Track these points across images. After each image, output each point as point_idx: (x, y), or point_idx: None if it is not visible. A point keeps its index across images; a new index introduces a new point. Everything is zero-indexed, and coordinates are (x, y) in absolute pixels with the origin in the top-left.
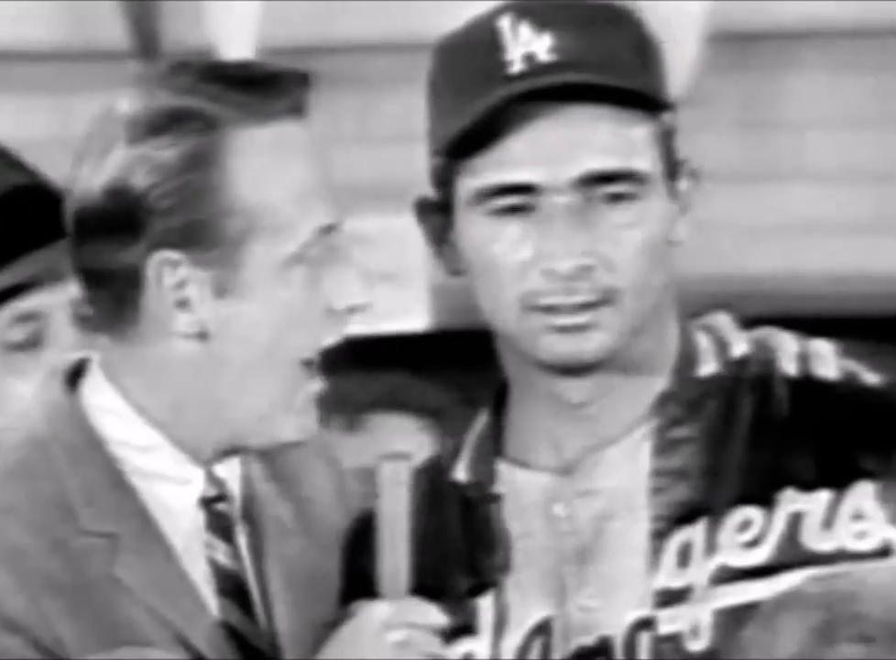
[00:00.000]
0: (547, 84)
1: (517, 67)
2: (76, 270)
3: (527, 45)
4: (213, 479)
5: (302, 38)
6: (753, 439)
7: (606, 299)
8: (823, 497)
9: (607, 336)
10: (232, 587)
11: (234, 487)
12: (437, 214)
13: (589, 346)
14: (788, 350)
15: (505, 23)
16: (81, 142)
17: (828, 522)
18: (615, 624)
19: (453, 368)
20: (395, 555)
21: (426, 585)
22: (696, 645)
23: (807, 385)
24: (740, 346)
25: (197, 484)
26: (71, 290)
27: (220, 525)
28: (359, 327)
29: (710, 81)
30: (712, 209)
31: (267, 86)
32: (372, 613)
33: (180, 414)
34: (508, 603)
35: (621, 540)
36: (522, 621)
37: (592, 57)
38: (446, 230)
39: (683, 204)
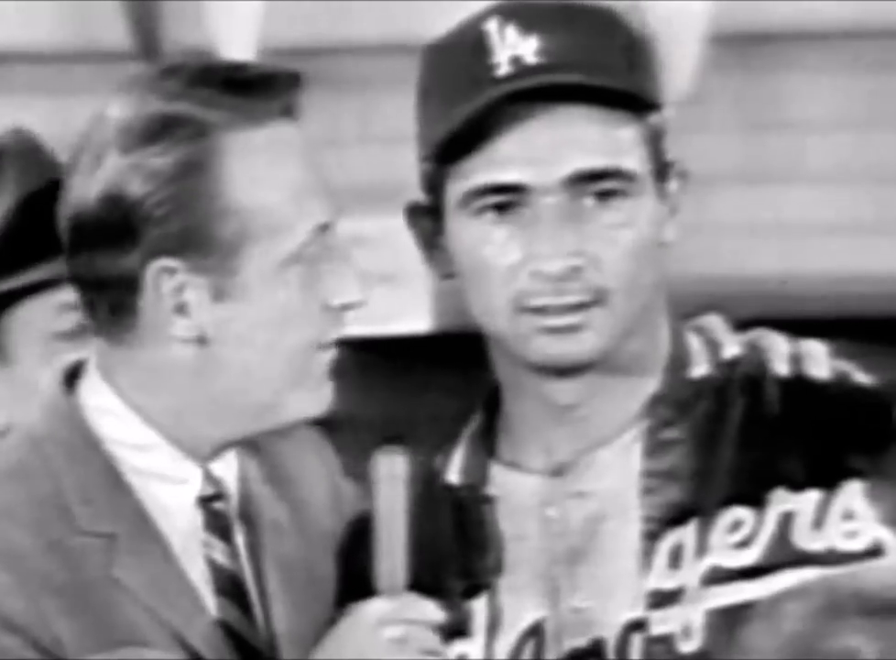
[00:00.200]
0: (534, 85)
1: (504, 69)
2: (71, 276)
3: (514, 47)
4: (210, 478)
5: (303, 39)
6: (744, 440)
7: (596, 299)
8: (813, 497)
9: (598, 337)
10: (230, 586)
11: (231, 486)
12: (428, 218)
13: (580, 347)
14: (780, 351)
15: (492, 26)
16: (72, 149)
17: (819, 522)
18: (607, 625)
19: (452, 370)
20: (392, 551)
21: (419, 586)
22: (688, 646)
23: (798, 386)
24: (732, 347)
25: (194, 483)
26: None
27: (217, 524)
28: (359, 329)
29: (710, 81)
30: (711, 210)
31: (259, 88)
32: (369, 609)
33: (178, 415)
34: (502, 605)
35: (613, 541)
36: (515, 623)
37: (579, 58)
38: (437, 234)
39: (673, 205)
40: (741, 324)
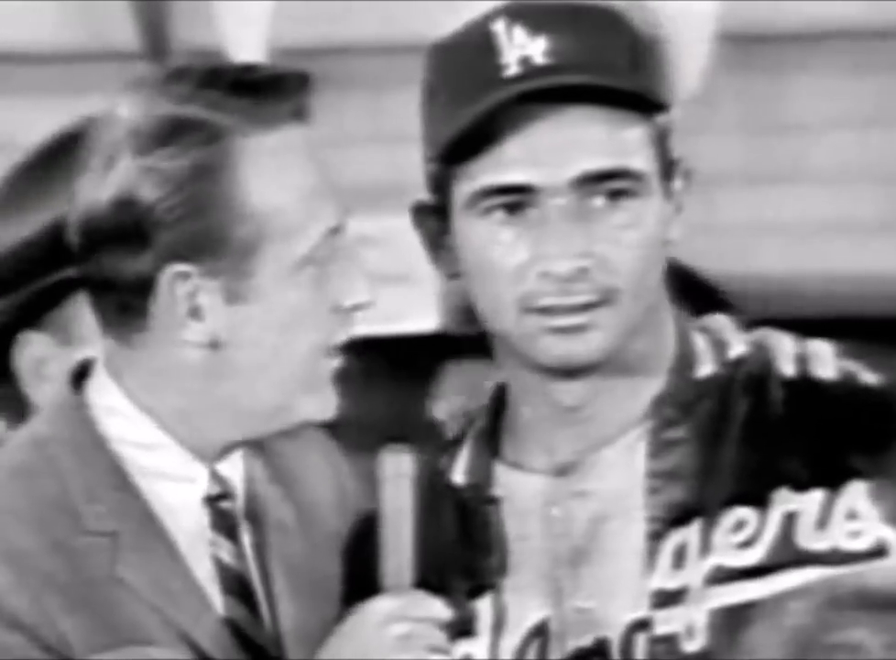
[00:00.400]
0: (543, 86)
1: (512, 70)
2: (82, 278)
3: (522, 48)
4: (216, 478)
5: (311, 39)
6: (748, 440)
7: (604, 299)
8: (817, 496)
9: (605, 338)
10: (236, 585)
11: (238, 485)
12: (433, 218)
13: (586, 347)
14: (785, 351)
15: (499, 26)
16: (81, 150)
17: (822, 522)
18: (611, 625)
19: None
20: (398, 549)
21: (425, 587)
22: (692, 646)
23: (803, 385)
24: (738, 346)
25: (201, 482)
26: None
27: (224, 524)
28: (368, 328)
29: (716, 81)
30: (717, 209)
31: (269, 91)
32: (375, 607)
33: (186, 416)
34: (506, 605)
35: (617, 541)
36: (520, 623)
37: (586, 59)
38: (443, 234)
39: (678, 204)
40: (745, 325)
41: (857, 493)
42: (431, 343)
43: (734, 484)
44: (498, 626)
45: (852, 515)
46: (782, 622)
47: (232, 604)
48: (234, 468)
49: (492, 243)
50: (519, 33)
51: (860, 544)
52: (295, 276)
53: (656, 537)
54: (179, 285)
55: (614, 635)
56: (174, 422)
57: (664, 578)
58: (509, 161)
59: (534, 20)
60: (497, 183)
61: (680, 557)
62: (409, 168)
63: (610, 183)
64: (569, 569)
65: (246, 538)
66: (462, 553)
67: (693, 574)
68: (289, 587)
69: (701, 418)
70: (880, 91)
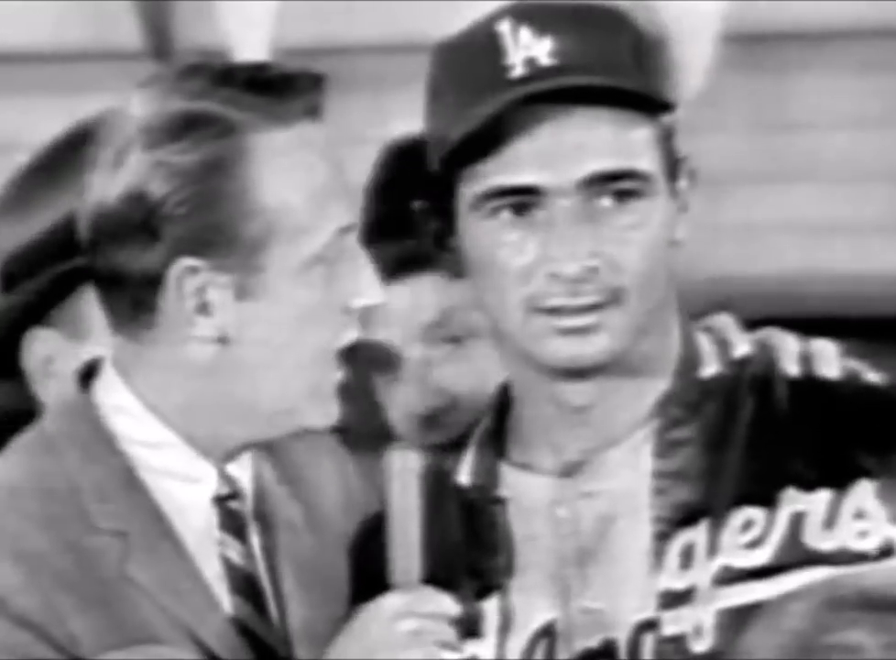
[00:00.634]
0: (550, 88)
1: (518, 71)
2: (90, 272)
3: (528, 49)
4: (225, 477)
5: (315, 38)
6: (754, 439)
7: (611, 300)
8: (824, 496)
9: (612, 338)
10: (244, 585)
11: (247, 485)
12: (437, 219)
13: (594, 348)
14: (790, 350)
15: (505, 27)
16: (91, 145)
17: (830, 522)
18: (619, 626)
19: None
20: (406, 545)
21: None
22: (700, 646)
23: (808, 385)
24: (742, 346)
25: (210, 482)
26: None
27: (233, 523)
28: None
29: (722, 81)
30: (723, 209)
31: (282, 88)
32: (384, 603)
33: (194, 414)
34: (513, 606)
35: (624, 542)
36: (527, 624)
37: (592, 60)
38: (447, 235)
39: (682, 203)
40: (752, 324)
41: (864, 493)
42: None
43: (741, 484)
44: (505, 627)
45: (860, 515)
46: (781, 625)
47: (240, 604)
48: (243, 469)
49: (499, 244)
50: (525, 34)
51: (868, 544)
52: (305, 274)
53: (663, 537)
54: (188, 280)
55: (621, 636)
56: (181, 419)
57: (672, 579)
58: (516, 163)
59: (540, 21)
60: (504, 185)
61: (687, 558)
62: None
63: (617, 184)
64: (576, 570)
65: (255, 538)
66: (468, 553)
67: (701, 574)
68: (297, 586)
69: (707, 418)
70: (886, 90)
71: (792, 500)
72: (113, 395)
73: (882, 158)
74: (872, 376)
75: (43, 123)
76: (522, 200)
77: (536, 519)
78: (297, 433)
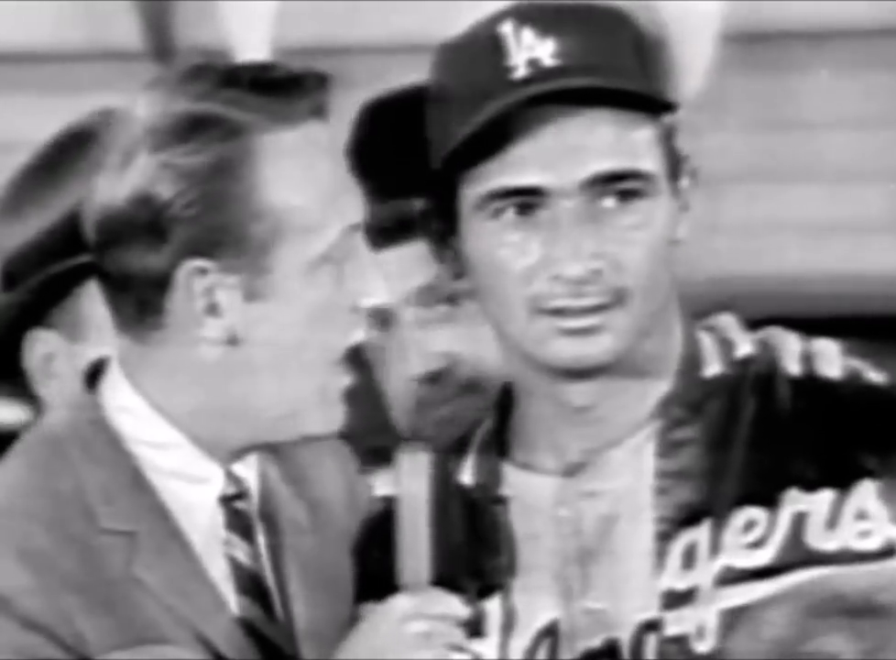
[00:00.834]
0: (553, 89)
1: (521, 72)
2: (97, 274)
3: (530, 50)
4: (232, 477)
5: (315, 38)
6: (756, 439)
7: (615, 301)
8: (826, 497)
9: (615, 339)
10: (251, 585)
11: (253, 485)
12: (439, 219)
13: (597, 349)
14: (791, 350)
15: (507, 28)
16: (89, 145)
17: (832, 522)
18: (621, 626)
19: None
20: (415, 546)
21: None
22: (702, 646)
23: (810, 384)
24: (745, 346)
25: (216, 482)
26: None
27: (239, 523)
28: None
29: (721, 81)
30: (725, 209)
31: (289, 89)
32: (393, 605)
33: (201, 415)
34: (515, 605)
35: (626, 542)
36: (529, 624)
37: (595, 61)
38: (449, 235)
39: (684, 203)
40: (754, 324)
41: (866, 493)
42: None
43: (743, 484)
44: (508, 626)
45: (862, 515)
46: (761, 634)
47: (246, 604)
48: (249, 469)
49: (502, 245)
50: (528, 35)
51: (870, 544)
52: (312, 274)
53: (665, 538)
54: (196, 280)
55: (624, 636)
56: (189, 420)
57: (674, 579)
58: (519, 164)
59: (542, 22)
60: (507, 186)
61: (690, 558)
62: None
63: (620, 184)
64: (578, 570)
65: (261, 538)
66: (471, 553)
67: (704, 574)
68: (303, 586)
69: (709, 418)
70: (886, 90)
71: (794, 501)
72: (119, 396)
73: (883, 157)
74: (874, 375)
75: (43, 123)
76: (525, 201)
77: (538, 519)
78: (300, 440)
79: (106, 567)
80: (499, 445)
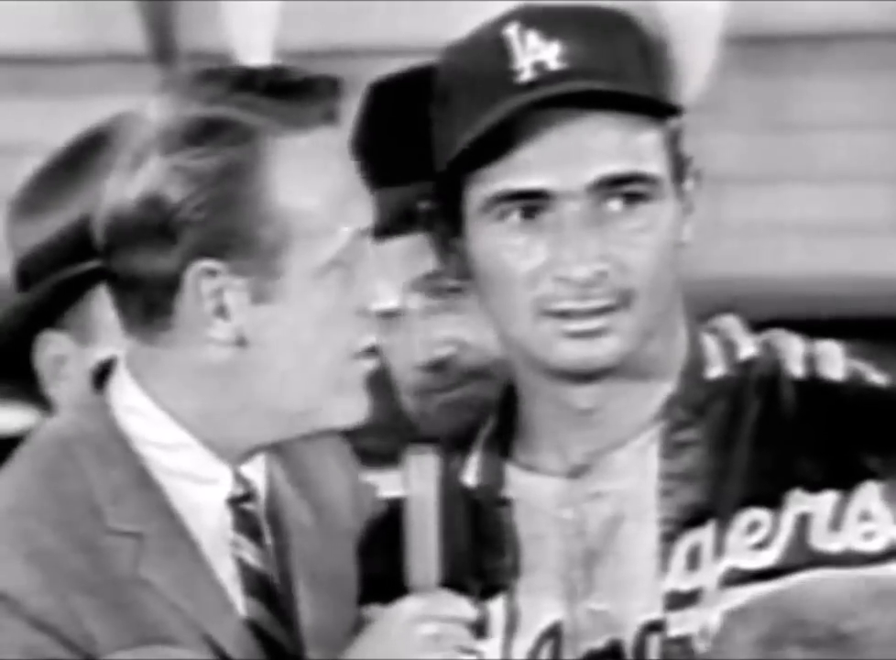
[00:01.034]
0: (559, 93)
1: (526, 75)
2: (106, 275)
3: (535, 53)
4: (240, 479)
5: (318, 41)
6: (760, 441)
7: (620, 303)
8: (830, 498)
9: (620, 341)
10: (258, 586)
11: (261, 486)
12: (444, 221)
13: (603, 351)
14: (794, 352)
15: (512, 31)
16: (106, 149)
17: (836, 523)
18: (625, 627)
19: None
20: (424, 548)
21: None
22: (706, 648)
23: (813, 386)
24: (748, 348)
25: (224, 483)
26: None
27: (247, 525)
28: None
29: (723, 83)
30: (728, 211)
31: (301, 93)
32: (403, 607)
33: (210, 416)
34: (519, 606)
35: (630, 543)
36: (533, 625)
37: (600, 64)
38: (453, 237)
39: (688, 204)
40: (757, 326)
41: (870, 494)
42: None
43: (747, 485)
44: (511, 627)
45: (865, 516)
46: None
47: (254, 605)
48: (257, 470)
49: (507, 247)
50: (533, 38)
51: (874, 546)
52: (322, 277)
53: (669, 539)
54: (205, 282)
55: (628, 637)
56: (198, 422)
57: (678, 580)
58: (525, 167)
59: (547, 25)
60: (512, 189)
61: (694, 559)
62: None
63: (625, 187)
64: (582, 571)
65: (268, 539)
66: (474, 554)
67: (708, 575)
68: (309, 588)
69: (713, 419)
70: (887, 92)
71: (798, 502)
72: (126, 396)
73: (884, 159)
74: (877, 377)
75: (47, 125)
76: (531, 203)
77: (542, 520)
78: (320, 432)
79: (114, 568)
80: (503, 446)
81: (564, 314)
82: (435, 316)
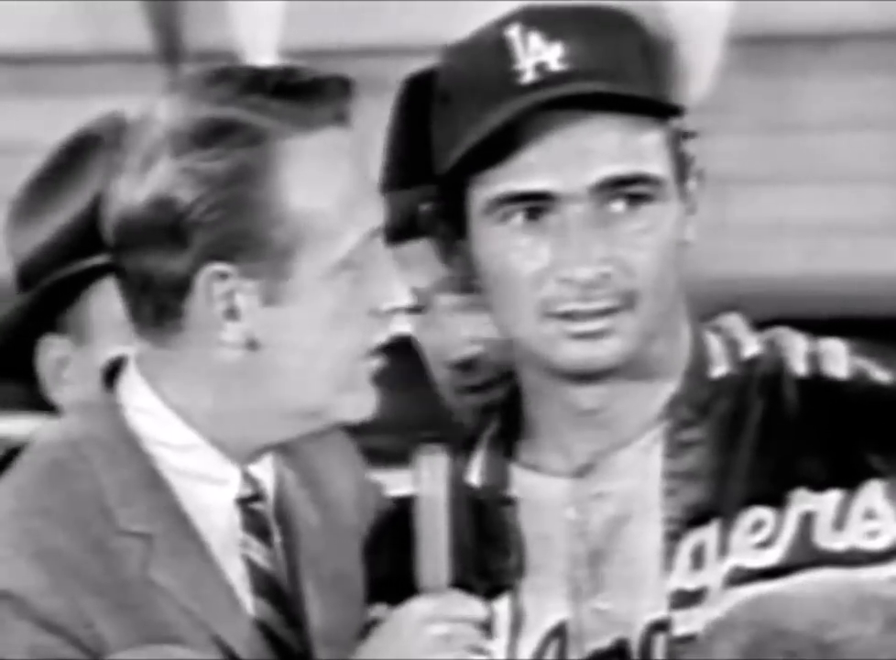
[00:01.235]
0: (562, 95)
1: (529, 77)
2: (116, 276)
3: (538, 54)
4: (249, 479)
5: (323, 41)
6: (764, 440)
7: (624, 304)
8: (834, 496)
9: (624, 342)
10: (267, 586)
11: (269, 487)
12: (446, 223)
13: (606, 352)
14: (798, 350)
15: (514, 32)
16: (117, 150)
17: (840, 522)
18: (630, 626)
19: None
20: (434, 548)
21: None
22: None
23: (817, 384)
24: (752, 347)
25: (234, 484)
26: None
27: (256, 525)
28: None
29: (727, 83)
30: (732, 211)
31: (311, 94)
32: (413, 608)
33: (220, 418)
34: (524, 606)
35: (635, 542)
36: (538, 624)
37: (603, 65)
38: (456, 238)
39: (691, 205)
40: (760, 325)
41: (874, 493)
42: None
43: (751, 484)
44: (516, 627)
45: (869, 515)
46: None
47: (262, 605)
48: (265, 470)
49: (511, 248)
50: (535, 39)
51: (878, 544)
52: (333, 279)
53: (674, 538)
54: (216, 285)
55: (633, 636)
56: (208, 423)
57: (683, 579)
58: (528, 168)
59: (549, 26)
60: (515, 190)
61: (698, 558)
62: None
63: (629, 188)
64: (587, 570)
65: (277, 539)
66: (479, 553)
67: (712, 574)
68: (317, 588)
69: (717, 418)
70: (890, 92)
71: (802, 501)
72: (137, 397)
73: (887, 159)
74: (880, 374)
75: (51, 125)
76: (534, 205)
77: (546, 520)
78: (327, 428)
79: (123, 569)
80: (507, 446)
81: (568, 316)
82: (464, 315)
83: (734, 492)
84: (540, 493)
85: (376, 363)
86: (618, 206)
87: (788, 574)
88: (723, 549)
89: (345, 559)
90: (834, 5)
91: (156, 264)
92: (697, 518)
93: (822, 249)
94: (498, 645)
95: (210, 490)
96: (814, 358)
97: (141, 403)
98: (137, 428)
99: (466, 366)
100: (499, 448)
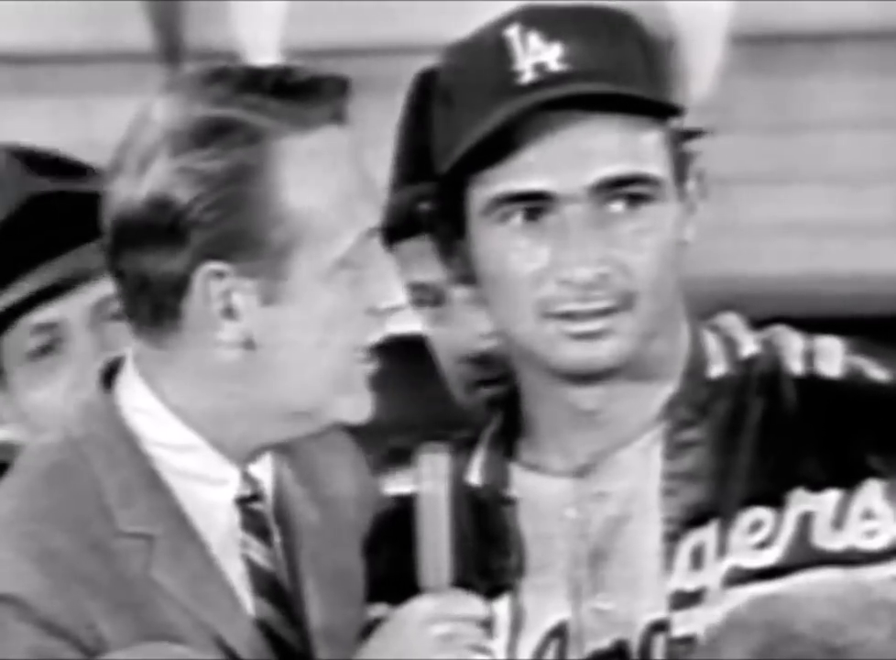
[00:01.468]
0: (561, 95)
1: (528, 77)
2: (114, 276)
3: (537, 54)
4: (248, 479)
5: (325, 40)
6: (762, 440)
7: (622, 304)
8: (832, 496)
9: (623, 342)
10: (267, 586)
11: (268, 486)
12: (445, 223)
13: (605, 353)
14: (794, 348)
15: (513, 32)
16: (115, 149)
17: (838, 522)
18: (630, 626)
19: None
20: (436, 548)
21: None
22: None
23: (811, 383)
24: (749, 346)
25: (233, 484)
26: (89, 297)
27: (255, 525)
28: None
29: (728, 83)
30: (734, 211)
31: (309, 93)
32: (416, 607)
33: (219, 417)
34: (524, 606)
35: (634, 542)
36: (538, 624)
37: (602, 65)
38: (455, 238)
39: (691, 205)
40: (759, 324)
41: (872, 493)
42: None
43: (750, 484)
44: (516, 627)
45: (868, 515)
46: None
47: (263, 605)
48: (264, 470)
49: (510, 249)
50: (534, 39)
51: (877, 544)
52: (330, 278)
53: (673, 538)
54: (213, 284)
55: (633, 636)
56: (206, 423)
57: (682, 579)
58: (527, 169)
59: (548, 26)
60: (514, 191)
61: (697, 558)
62: None
63: (627, 189)
64: (587, 570)
65: (277, 539)
66: (479, 553)
67: (711, 575)
68: (317, 588)
69: (716, 419)
70: (892, 92)
71: (801, 501)
72: (135, 397)
73: (888, 159)
74: (876, 372)
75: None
76: (533, 205)
77: (546, 520)
78: (325, 429)
79: (125, 570)
80: (507, 445)
81: (567, 316)
82: (478, 309)
83: (733, 492)
84: (540, 493)
85: (373, 366)
86: (617, 207)
87: (787, 574)
88: (722, 549)
89: (346, 558)
90: (834, 5)
91: (153, 263)
92: (696, 518)
93: (822, 249)
94: (498, 645)
95: (209, 491)
96: (808, 357)
97: (139, 403)
98: (136, 428)
99: (481, 360)
100: (500, 448)
